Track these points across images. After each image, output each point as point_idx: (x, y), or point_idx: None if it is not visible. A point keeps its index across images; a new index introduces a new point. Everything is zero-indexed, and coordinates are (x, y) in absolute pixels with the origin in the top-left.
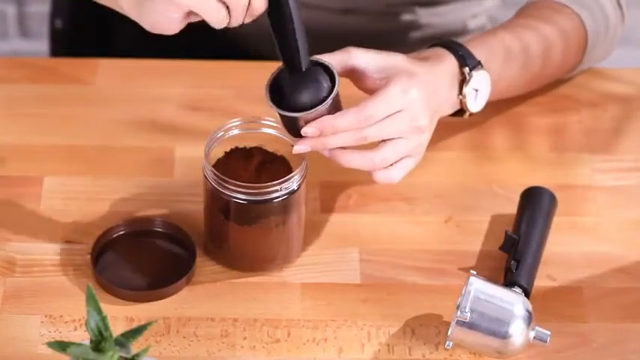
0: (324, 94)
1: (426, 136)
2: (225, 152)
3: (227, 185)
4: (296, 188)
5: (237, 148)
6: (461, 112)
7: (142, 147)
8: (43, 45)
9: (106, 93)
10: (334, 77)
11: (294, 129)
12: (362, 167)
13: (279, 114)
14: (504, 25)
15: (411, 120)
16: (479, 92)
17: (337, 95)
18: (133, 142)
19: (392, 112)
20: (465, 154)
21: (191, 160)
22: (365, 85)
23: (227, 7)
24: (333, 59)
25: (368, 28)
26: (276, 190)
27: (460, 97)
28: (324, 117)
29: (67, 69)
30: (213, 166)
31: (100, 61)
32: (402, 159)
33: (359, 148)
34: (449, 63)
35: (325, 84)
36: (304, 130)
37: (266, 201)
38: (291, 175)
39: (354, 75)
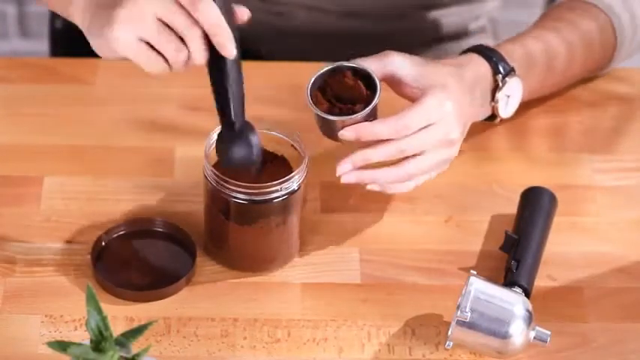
0: (367, 101)
1: (455, 150)
2: None
3: (227, 185)
4: (296, 188)
5: None
6: (492, 117)
7: (142, 147)
8: (43, 45)
9: (106, 93)
10: (375, 85)
11: (330, 132)
12: (396, 183)
13: (318, 115)
14: (532, 29)
15: (445, 133)
16: (510, 98)
17: (376, 104)
18: (133, 142)
19: (427, 124)
20: (465, 154)
21: (191, 160)
22: (401, 91)
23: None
24: (372, 64)
25: (370, 30)
26: (277, 190)
27: (493, 103)
28: (362, 123)
29: (67, 69)
30: (214, 166)
31: (100, 61)
32: (427, 172)
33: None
34: (483, 70)
35: (366, 92)
36: (341, 133)
37: (266, 201)
38: (292, 175)
39: (391, 80)
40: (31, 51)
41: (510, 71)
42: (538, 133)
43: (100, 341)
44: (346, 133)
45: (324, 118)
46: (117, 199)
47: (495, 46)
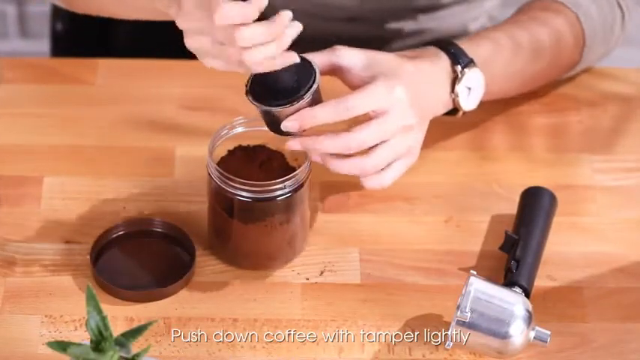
0: (305, 89)
1: (416, 137)
2: (229, 151)
3: (231, 183)
4: (300, 186)
5: (240, 147)
6: (454, 110)
7: (142, 147)
8: (43, 45)
9: (106, 93)
10: (315, 73)
11: (275, 126)
12: (352, 173)
13: (260, 110)
14: (500, 25)
15: (398, 119)
16: (472, 90)
17: (318, 91)
18: (133, 142)
19: (375, 108)
20: (465, 154)
21: (191, 160)
22: (351, 82)
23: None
24: (319, 57)
25: (372, 35)
26: (280, 188)
27: (452, 95)
28: (303, 109)
29: (67, 69)
30: (217, 164)
31: (100, 61)
32: (392, 162)
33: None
34: (441, 61)
35: (306, 80)
36: (284, 124)
37: (270, 199)
38: (295, 172)
39: (340, 73)
40: (32, 51)
41: (469, 62)
42: (538, 133)
43: (99, 341)
44: (288, 124)
45: (267, 111)
46: (117, 199)
47: (456, 41)
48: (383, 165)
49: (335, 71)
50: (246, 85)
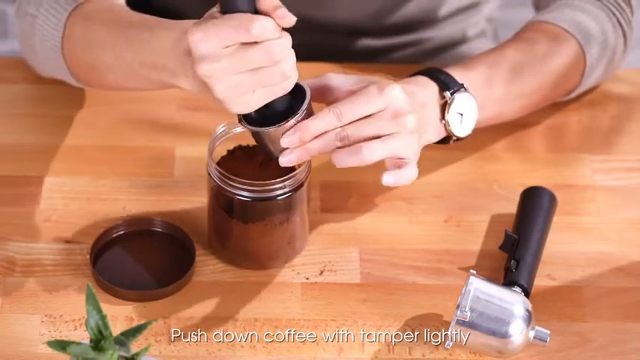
0: (297, 109)
1: (413, 140)
2: (228, 150)
3: (231, 183)
4: (299, 186)
5: (240, 147)
6: (447, 139)
7: (142, 147)
8: None
9: (106, 93)
10: (306, 92)
11: (275, 147)
12: (351, 162)
13: (256, 135)
14: (497, 47)
15: (394, 115)
16: (464, 116)
17: (309, 107)
18: (132, 142)
19: (371, 111)
20: (465, 154)
21: (191, 160)
22: (342, 97)
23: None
24: (308, 82)
25: (372, 46)
26: (280, 188)
27: (443, 122)
28: (299, 123)
29: None
30: (217, 164)
31: None
32: (402, 162)
33: None
34: (429, 88)
35: (299, 101)
36: (283, 141)
37: (270, 198)
38: (295, 172)
39: (330, 94)
40: None
41: (459, 88)
42: (538, 133)
43: (99, 340)
44: (287, 139)
45: (263, 132)
46: (117, 199)
47: (451, 66)
48: (381, 155)
49: (325, 95)
50: (240, 116)
